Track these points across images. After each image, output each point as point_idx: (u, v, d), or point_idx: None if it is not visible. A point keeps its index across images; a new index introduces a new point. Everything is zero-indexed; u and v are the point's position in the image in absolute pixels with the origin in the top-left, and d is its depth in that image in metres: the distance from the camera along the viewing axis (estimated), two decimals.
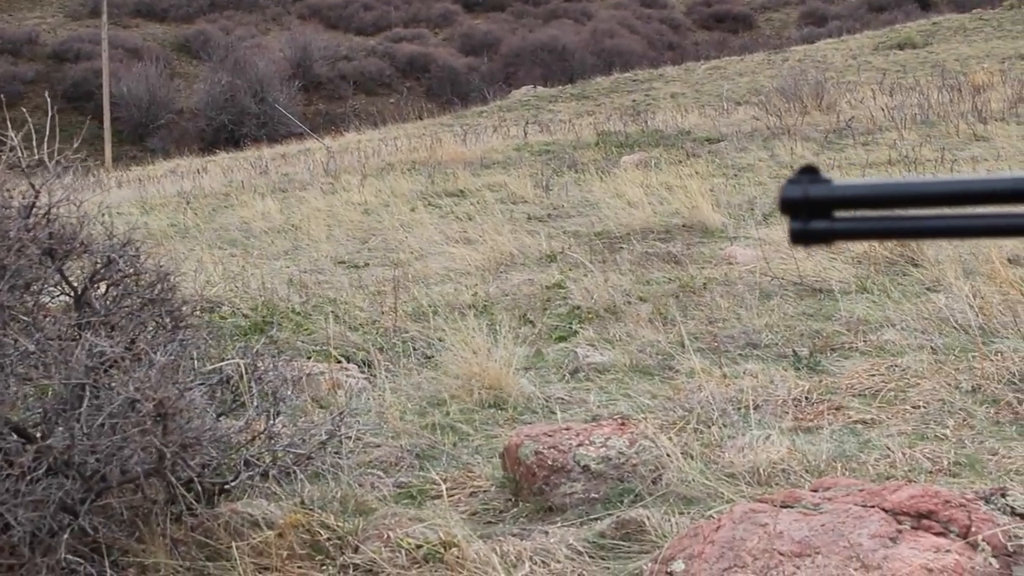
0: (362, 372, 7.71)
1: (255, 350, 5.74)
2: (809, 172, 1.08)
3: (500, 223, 13.89)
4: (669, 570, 4.32)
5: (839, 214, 1.07)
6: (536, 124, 28.52)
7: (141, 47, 62.87)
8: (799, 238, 1.07)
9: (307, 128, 36.26)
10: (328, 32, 66.53)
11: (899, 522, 4.21)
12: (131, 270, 5.07)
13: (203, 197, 20.84)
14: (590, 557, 4.76)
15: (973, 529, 4.14)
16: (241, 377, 5.49)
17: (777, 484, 5.21)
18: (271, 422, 5.26)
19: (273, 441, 5.24)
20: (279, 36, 65.24)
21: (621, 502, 5.24)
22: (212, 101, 54.34)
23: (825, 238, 1.07)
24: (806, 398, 6.69)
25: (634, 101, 33.93)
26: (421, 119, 36.41)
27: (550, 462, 5.39)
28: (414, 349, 8.24)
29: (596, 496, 5.30)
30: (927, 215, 1.06)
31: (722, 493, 5.19)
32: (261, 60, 55.79)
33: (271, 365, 5.79)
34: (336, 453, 5.85)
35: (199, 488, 4.87)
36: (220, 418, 5.13)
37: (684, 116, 26.58)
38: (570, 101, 37.40)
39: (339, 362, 7.83)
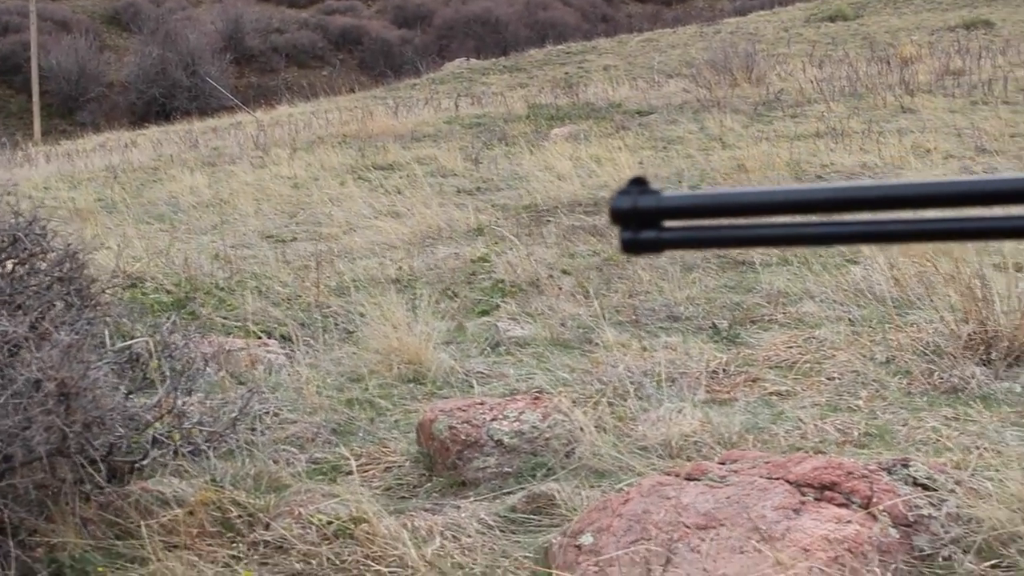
0: (282, 348, 7.68)
1: (166, 327, 5.69)
2: (638, 184, 1.09)
3: (429, 196, 13.86)
4: (578, 543, 4.34)
5: (668, 224, 1.08)
6: (468, 97, 28.48)
7: (70, 19, 62.02)
8: (629, 247, 1.09)
9: (239, 101, 36.03)
10: (260, 4, 65.90)
11: (803, 494, 4.25)
12: (37, 248, 5.01)
13: (132, 171, 20.64)
14: (501, 531, 4.78)
15: (874, 500, 4.19)
16: (151, 355, 5.45)
17: (688, 457, 5.25)
18: (180, 400, 5.22)
19: (182, 419, 5.20)
20: (210, 8, 64.55)
21: (533, 476, 5.26)
22: (143, 74, 53.72)
23: (654, 247, 1.09)
24: (723, 370, 6.73)
25: (567, 74, 33.92)
26: (354, 92, 36.23)
27: (463, 437, 5.40)
28: (336, 324, 8.22)
29: (509, 470, 5.32)
30: (751, 224, 1.08)
31: (633, 466, 5.22)
32: (192, 33, 55.24)
33: (184, 342, 5.74)
34: (251, 430, 5.84)
35: (109, 467, 4.84)
36: (129, 396, 5.09)
37: (616, 89, 26.59)
38: (503, 74, 37.33)
39: (259, 338, 7.80)
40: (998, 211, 1.02)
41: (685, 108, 20.92)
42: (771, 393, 6.32)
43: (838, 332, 7.12)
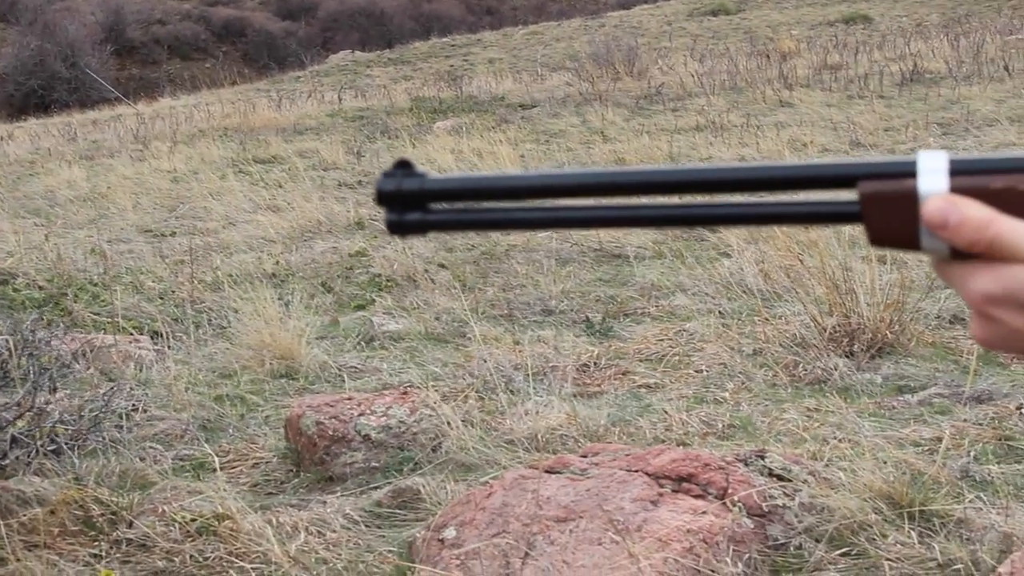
0: (155, 344, 7.61)
1: (27, 325, 5.63)
2: (403, 166, 1.12)
3: (309, 190, 13.81)
4: (441, 537, 4.37)
5: (434, 206, 1.11)
6: (352, 90, 28.39)
7: None
8: (395, 228, 1.11)
9: (120, 93, 35.55)
10: None
11: (661, 486, 4.31)
12: None
13: (7, 165, 20.32)
14: (366, 526, 4.79)
15: (730, 491, 4.26)
16: (11, 353, 5.39)
17: (554, 450, 5.29)
18: (43, 398, 5.17)
19: (44, 417, 5.16)
20: None
21: (400, 471, 5.28)
22: (20, 66, 52.70)
23: (420, 229, 1.12)
24: (595, 363, 6.80)
25: (452, 66, 33.91)
26: (237, 84, 35.97)
27: (331, 432, 5.40)
28: (209, 320, 8.17)
29: (376, 465, 5.33)
30: (514, 207, 1.11)
31: (499, 460, 5.26)
32: (72, 23, 54.30)
33: (49, 339, 5.68)
34: (118, 427, 5.79)
35: None
36: None
37: (500, 82, 26.65)
38: (388, 66, 37.23)
39: (131, 334, 7.73)
40: (749, 197, 1.07)
41: (568, 101, 21.04)
42: (640, 386, 6.40)
43: (708, 325, 7.21)
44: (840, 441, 5.11)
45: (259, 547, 4.47)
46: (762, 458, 4.55)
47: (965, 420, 5.30)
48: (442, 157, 15.07)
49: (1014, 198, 0.99)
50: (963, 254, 0.99)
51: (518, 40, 39.65)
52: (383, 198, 1.11)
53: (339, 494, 5.16)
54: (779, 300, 7.47)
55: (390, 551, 4.55)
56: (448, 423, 5.52)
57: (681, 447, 4.94)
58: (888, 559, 4.03)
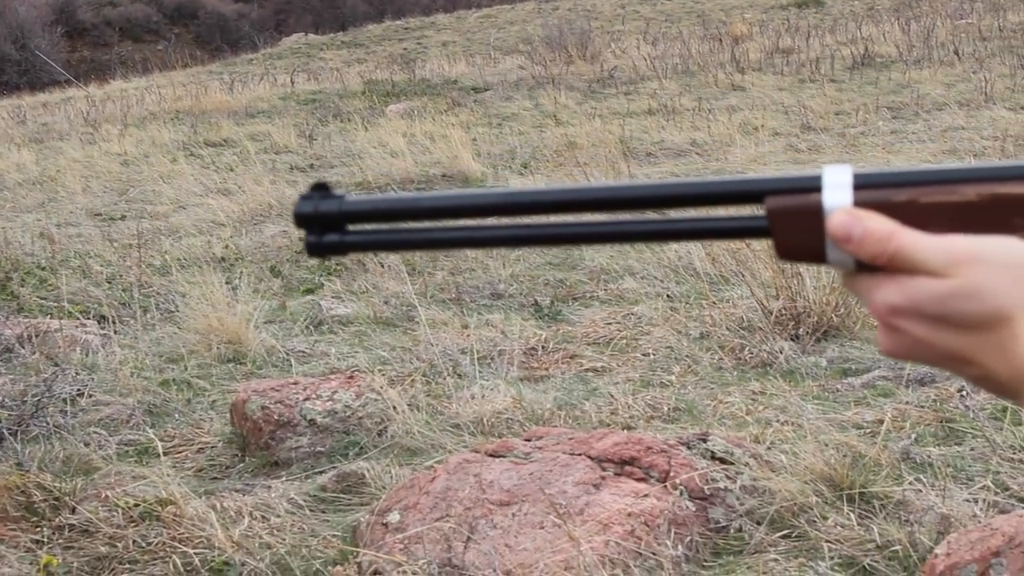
0: (102, 328, 7.57)
1: None
2: (320, 189, 1.12)
3: (261, 174, 13.78)
4: (385, 521, 4.37)
5: (352, 227, 1.12)
6: (305, 72, 28.28)
7: None
8: (314, 250, 1.12)
9: (71, 76, 35.28)
10: None
11: (603, 469, 4.33)
12: None
13: None
14: (311, 510, 4.79)
15: (672, 474, 4.29)
16: None
17: (500, 434, 5.30)
18: None
19: None
20: None
21: (346, 455, 5.29)
22: None
23: (339, 250, 1.12)
24: (542, 347, 6.81)
25: (405, 49, 33.81)
26: (189, 67, 35.76)
27: (276, 417, 5.40)
28: (157, 304, 8.13)
29: (322, 449, 5.33)
30: (432, 227, 1.12)
31: (445, 444, 5.27)
32: (22, 5, 53.81)
33: None
34: (62, 412, 5.77)
35: None
36: None
37: (453, 65, 26.62)
38: (341, 49, 37.07)
39: (77, 318, 7.69)
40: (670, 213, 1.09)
41: (520, 85, 21.04)
42: (587, 369, 6.42)
43: (656, 308, 7.24)
44: (783, 424, 5.15)
45: (202, 532, 4.46)
46: (704, 441, 4.58)
47: (907, 403, 5.34)
48: (394, 141, 15.05)
49: (916, 211, 1.01)
50: (868, 266, 1.00)
51: (472, 23, 39.59)
52: (301, 221, 1.12)
53: (284, 479, 5.16)
54: (726, 284, 7.50)
55: (334, 535, 4.55)
56: (394, 407, 5.52)
57: (626, 431, 4.96)
58: (827, 541, 4.06)
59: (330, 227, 1.11)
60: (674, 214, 1.10)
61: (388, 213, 1.13)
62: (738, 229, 1.08)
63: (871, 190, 1.01)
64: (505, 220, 1.11)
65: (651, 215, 1.10)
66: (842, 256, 1.01)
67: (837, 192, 1.01)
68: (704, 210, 1.09)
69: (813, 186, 1.02)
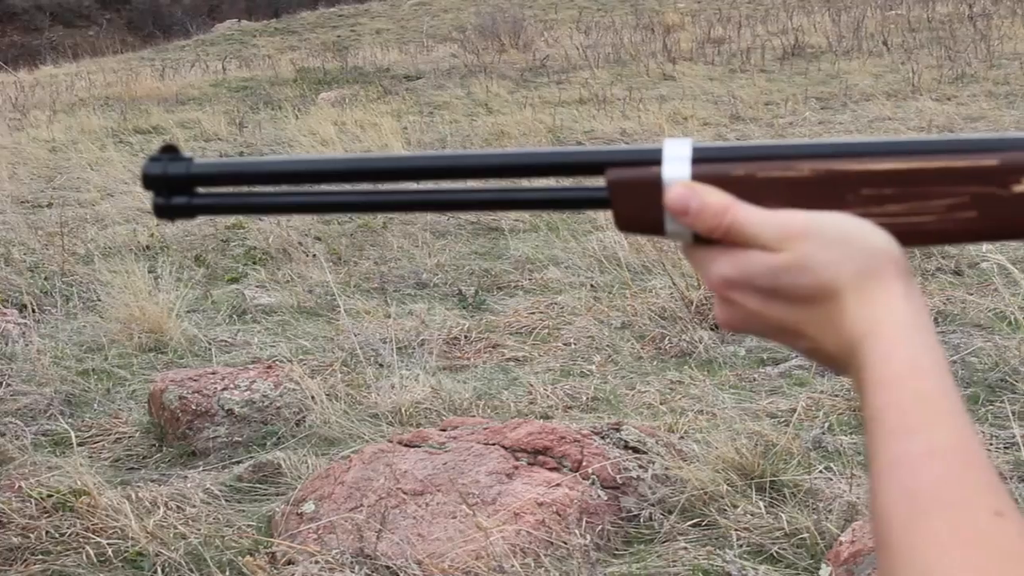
0: (22, 317, 7.50)
1: None
2: (169, 151, 1.13)
3: None
4: (300, 511, 4.38)
5: (201, 190, 1.12)
6: (237, 59, 28.05)
7: None
8: (161, 212, 1.13)
9: None
10: None
11: (517, 459, 4.36)
12: None
13: None
14: (226, 500, 4.79)
15: (585, 463, 4.32)
16: None
17: (418, 424, 5.32)
18: None
19: None
20: None
21: (263, 445, 5.29)
22: None
23: (186, 213, 1.13)
24: (465, 337, 6.83)
25: (339, 37, 33.63)
26: (121, 53, 35.43)
27: (194, 407, 5.38)
28: (79, 293, 8.07)
29: (239, 440, 5.33)
30: (279, 192, 1.12)
31: (363, 434, 5.28)
32: None
33: None
34: None
35: None
36: None
37: (386, 53, 26.52)
38: (274, 36, 36.82)
39: None
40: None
41: (453, 73, 21.02)
42: (509, 359, 6.44)
43: (579, 298, 7.27)
44: (698, 413, 5.20)
45: (116, 522, 4.45)
46: (618, 431, 4.61)
47: (821, 391, 5.41)
48: (325, 129, 14.99)
49: (753, 185, 1.02)
50: (705, 239, 1.02)
51: (406, 11, 39.44)
52: (149, 182, 1.12)
53: (201, 469, 5.15)
54: (649, 273, 7.54)
55: (249, 525, 4.56)
56: (312, 397, 5.52)
57: (542, 420, 4.98)
58: (737, 529, 4.11)
59: (178, 190, 1.11)
60: (519, 183, 1.12)
61: (236, 176, 1.13)
62: (579, 200, 1.10)
63: (710, 164, 1.03)
64: (354, 186, 1.12)
65: (496, 183, 1.12)
66: (680, 228, 1.02)
67: (676, 165, 1.03)
68: (552, 180, 1.11)
69: (653, 159, 1.04)
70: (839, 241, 0.97)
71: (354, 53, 26.70)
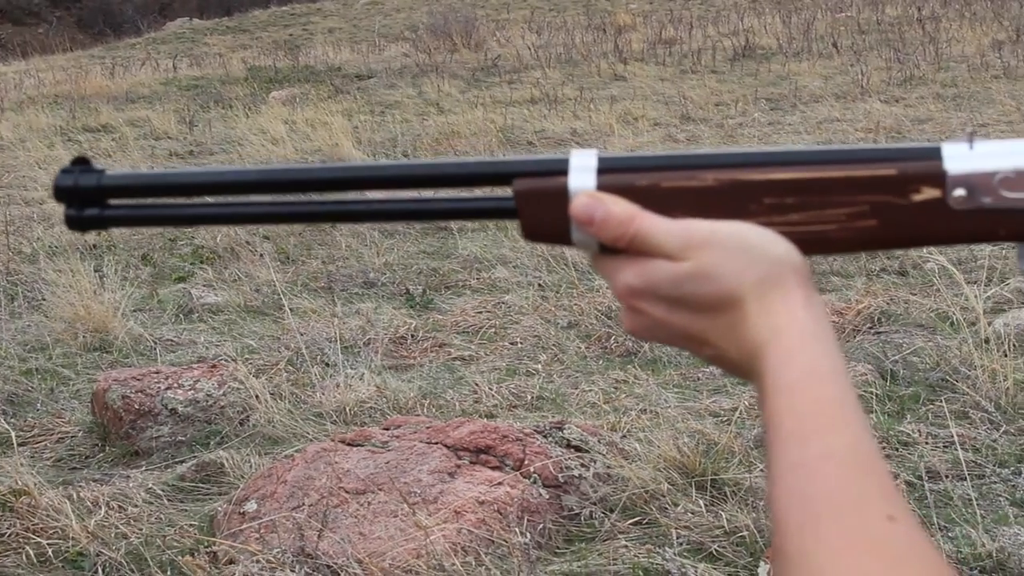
0: None
1: None
2: (81, 163, 1.13)
3: (139, 160, 13.65)
4: (242, 510, 4.38)
5: (113, 202, 1.12)
6: (188, 58, 27.93)
7: None
8: (73, 224, 1.13)
9: None
10: None
11: (459, 458, 4.37)
12: None
13: None
14: (169, 500, 4.77)
15: (527, 462, 4.33)
16: None
17: (363, 423, 5.32)
18: None
19: None
20: None
21: (207, 445, 5.27)
22: None
23: (98, 224, 1.13)
24: (412, 336, 6.83)
25: (291, 35, 33.53)
26: (71, 51, 35.19)
27: (137, 406, 5.36)
28: (24, 293, 8.02)
29: (183, 439, 5.31)
30: (192, 204, 1.13)
31: (307, 433, 5.28)
32: None
33: None
34: None
35: None
36: None
37: (338, 52, 26.46)
38: (226, 34, 36.64)
39: None
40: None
41: (405, 73, 21.00)
42: (455, 358, 6.45)
43: (527, 297, 7.29)
44: (642, 412, 5.22)
45: (57, 523, 4.43)
46: (561, 430, 4.63)
47: None
48: (275, 128, 14.95)
49: (658, 195, 1.04)
50: (611, 249, 1.03)
51: (358, 10, 39.35)
52: (60, 194, 1.12)
53: (144, 468, 5.13)
54: (596, 273, 7.55)
55: (191, 525, 4.54)
56: (257, 396, 5.51)
57: (485, 419, 4.99)
58: (677, 527, 4.13)
59: (90, 201, 1.11)
60: (429, 194, 1.13)
61: (148, 188, 1.14)
62: (487, 209, 1.11)
63: (615, 174, 1.04)
64: (270, 197, 1.13)
65: (408, 194, 1.12)
66: (586, 238, 1.03)
67: (582, 175, 1.04)
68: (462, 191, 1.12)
69: (559, 169, 1.05)
70: (741, 250, 0.98)
71: (306, 52, 26.64)
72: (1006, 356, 5.38)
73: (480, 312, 7.19)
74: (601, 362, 6.21)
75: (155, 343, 6.91)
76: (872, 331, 6.35)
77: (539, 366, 6.20)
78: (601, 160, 1.05)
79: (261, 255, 8.66)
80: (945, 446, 4.76)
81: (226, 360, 6.19)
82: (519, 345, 6.58)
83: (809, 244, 1.03)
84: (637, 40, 22.52)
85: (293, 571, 3.87)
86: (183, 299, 7.82)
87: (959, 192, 1.02)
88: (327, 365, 6.23)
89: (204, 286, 8.11)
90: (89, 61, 31.06)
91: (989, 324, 5.82)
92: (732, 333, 0.98)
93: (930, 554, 0.86)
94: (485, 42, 23.50)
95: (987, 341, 5.61)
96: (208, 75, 23.20)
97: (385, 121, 16.07)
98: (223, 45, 32.11)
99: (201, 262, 8.77)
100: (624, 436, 4.83)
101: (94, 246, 9.42)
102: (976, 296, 5.91)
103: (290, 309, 7.16)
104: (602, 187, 1.04)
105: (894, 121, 13.34)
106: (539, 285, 7.60)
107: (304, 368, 6.15)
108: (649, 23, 25.53)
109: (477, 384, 5.86)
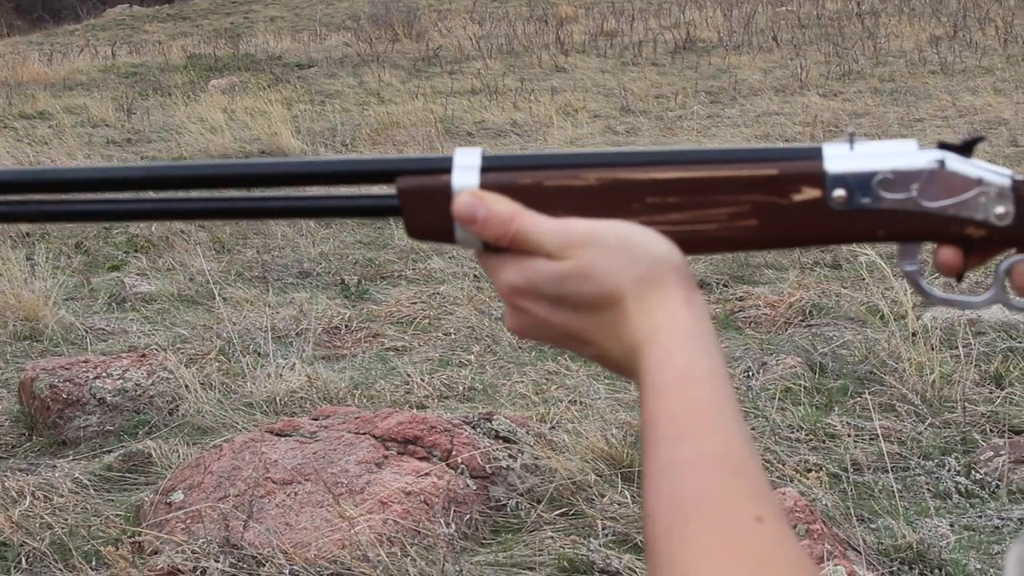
0: None
1: None
2: None
3: (75, 148, 13.53)
4: (169, 500, 4.36)
5: None
6: (128, 45, 27.72)
7: None
8: None
9: None
10: None
11: (387, 448, 4.37)
12: None
13: None
14: (95, 490, 4.75)
15: (454, 453, 4.34)
16: None
17: (292, 413, 5.31)
18: None
19: None
20: None
21: (135, 434, 5.25)
22: None
23: None
24: (346, 326, 6.82)
25: (232, 24, 33.31)
26: (8, 37, 34.83)
27: (65, 395, 5.33)
28: None
29: (111, 428, 5.28)
30: (57, 200, 1.12)
31: (236, 423, 5.26)
32: None
33: None
34: None
35: None
36: None
37: (279, 41, 26.31)
38: (166, 22, 36.37)
39: None
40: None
41: (346, 62, 20.92)
42: (388, 348, 6.45)
43: (461, 288, 7.29)
44: (571, 403, 5.23)
45: None
46: (489, 421, 4.64)
47: None
48: (214, 116, 14.87)
49: (541, 193, 1.04)
50: (494, 247, 1.03)
51: None
52: None
53: (71, 458, 5.10)
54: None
55: (117, 515, 4.52)
56: (186, 386, 5.49)
57: (415, 410, 5.00)
58: (602, 518, 4.15)
59: None
60: (312, 191, 1.12)
61: (28, 185, 1.13)
62: (371, 207, 1.11)
63: (498, 172, 1.05)
64: (151, 194, 1.12)
65: (288, 190, 1.12)
66: (469, 236, 1.03)
67: (466, 174, 1.04)
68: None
69: (443, 167, 1.05)
70: (621, 249, 0.99)
71: (247, 40, 26.47)
72: (933, 350, 5.44)
73: (415, 303, 7.19)
74: (533, 353, 6.22)
75: (86, 332, 6.86)
76: (803, 324, 6.40)
77: (472, 357, 6.21)
78: (485, 159, 1.05)
79: (196, 244, 8.61)
80: (871, 438, 4.81)
81: (157, 350, 6.16)
82: (452, 336, 6.58)
83: (690, 243, 1.04)
84: (579, 32, 22.53)
85: (217, 561, 3.85)
86: (116, 288, 7.76)
87: (838, 192, 1.03)
88: (259, 355, 6.21)
89: (138, 275, 8.06)
90: (27, 47, 30.76)
91: (918, 318, 5.88)
92: (613, 332, 0.99)
93: (797, 555, 0.87)
94: (427, 32, 23.46)
95: (915, 335, 5.66)
96: (147, 63, 23.03)
97: (325, 111, 16.02)
98: (163, 32, 31.91)
99: (135, 251, 8.71)
100: (553, 427, 4.84)
101: (27, 234, 9.33)
102: (905, 290, 5.97)
103: (223, 299, 7.13)
104: (485, 185, 1.04)
105: (832, 115, 13.43)
106: (474, 276, 7.60)
107: (235, 358, 6.13)
108: (591, 15, 25.54)
109: (409, 375, 5.86)
